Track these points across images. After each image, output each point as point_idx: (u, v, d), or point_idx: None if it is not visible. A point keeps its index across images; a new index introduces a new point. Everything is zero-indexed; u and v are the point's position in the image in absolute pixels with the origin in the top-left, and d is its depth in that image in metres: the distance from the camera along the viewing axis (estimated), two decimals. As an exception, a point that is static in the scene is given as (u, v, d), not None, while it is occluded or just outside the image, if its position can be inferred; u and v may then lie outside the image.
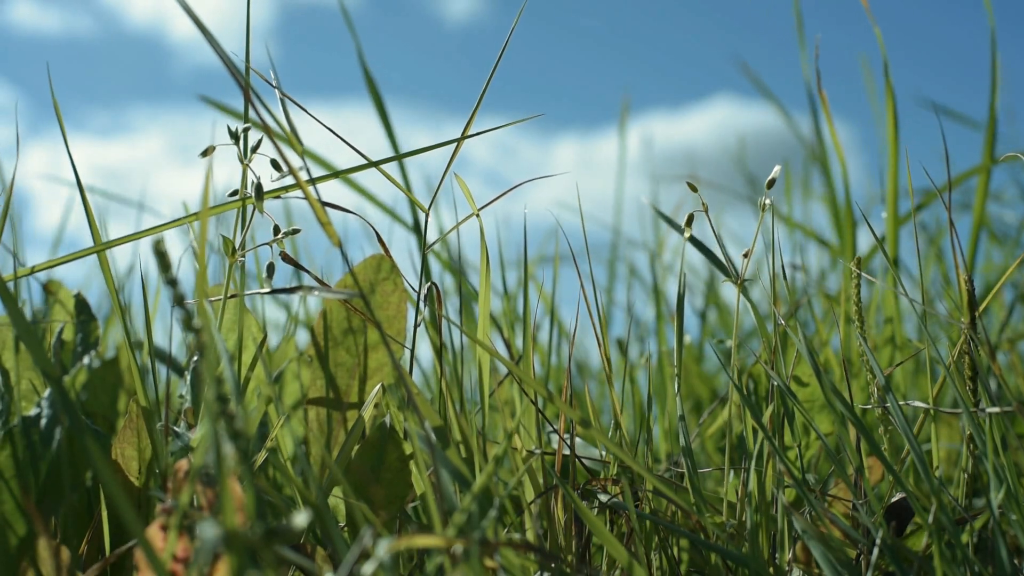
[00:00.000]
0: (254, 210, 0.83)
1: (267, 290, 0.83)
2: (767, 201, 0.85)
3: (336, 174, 0.90)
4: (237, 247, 0.84)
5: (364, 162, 0.89)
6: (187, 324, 0.54)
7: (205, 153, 0.81)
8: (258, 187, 0.81)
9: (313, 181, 0.81)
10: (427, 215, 0.91)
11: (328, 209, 0.89)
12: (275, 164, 0.82)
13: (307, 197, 0.69)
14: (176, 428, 0.86)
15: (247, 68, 0.86)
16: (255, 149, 0.82)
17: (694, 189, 0.87)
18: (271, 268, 0.85)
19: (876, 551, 0.79)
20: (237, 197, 0.84)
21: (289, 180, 0.83)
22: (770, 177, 0.86)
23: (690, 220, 0.88)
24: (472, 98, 0.89)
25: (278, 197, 0.85)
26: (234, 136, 0.81)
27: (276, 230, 0.85)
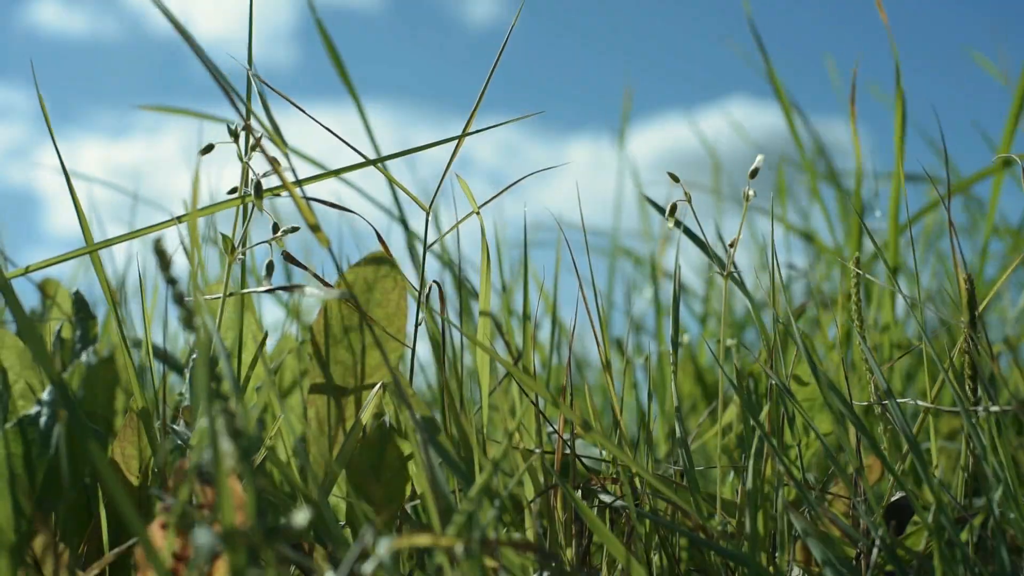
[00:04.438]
0: (252, 208, 0.83)
1: (265, 288, 0.83)
2: (751, 192, 0.86)
3: (328, 174, 0.90)
4: (236, 245, 0.84)
5: (361, 161, 0.89)
6: (187, 322, 0.54)
7: (204, 151, 0.81)
8: (257, 185, 0.81)
9: (300, 182, 0.81)
10: (428, 214, 0.91)
11: (326, 208, 0.88)
12: (272, 161, 0.82)
13: (293, 197, 0.69)
14: (175, 427, 0.86)
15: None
16: (253, 148, 0.82)
17: (676, 179, 0.88)
18: (270, 266, 0.85)
19: (876, 550, 0.79)
20: (236, 195, 0.84)
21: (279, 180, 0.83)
22: (753, 167, 0.87)
23: (673, 209, 0.89)
24: (486, 101, 0.89)
25: (277, 195, 0.85)
26: (233, 134, 0.81)
27: (275, 228, 0.85)
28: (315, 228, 0.68)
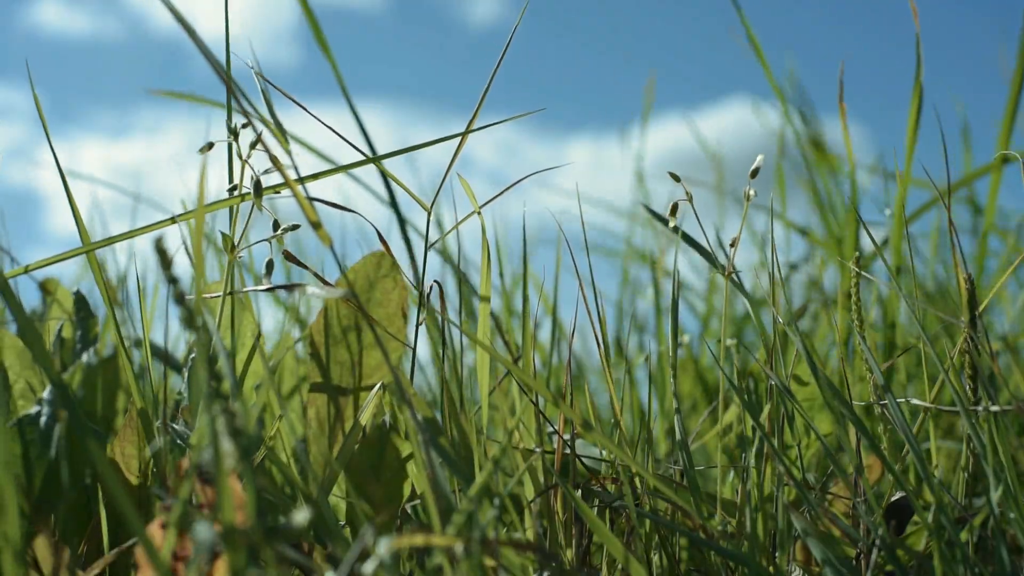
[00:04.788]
0: (252, 206, 0.83)
1: (265, 287, 0.83)
2: (751, 191, 0.86)
3: (329, 172, 0.90)
4: (236, 243, 0.84)
5: (361, 159, 0.89)
6: (187, 322, 0.54)
7: (205, 149, 0.81)
8: (256, 183, 0.81)
9: (302, 179, 0.81)
10: (429, 213, 0.91)
11: (327, 208, 0.88)
12: (272, 159, 0.82)
13: (295, 195, 0.68)
14: (175, 426, 0.86)
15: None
16: (253, 145, 0.81)
17: (676, 179, 0.88)
18: (270, 265, 0.84)
19: (876, 550, 0.79)
20: (236, 193, 0.84)
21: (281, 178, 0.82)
22: (754, 167, 0.87)
23: (674, 210, 0.89)
24: (488, 101, 0.89)
25: (277, 192, 0.85)
26: (233, 132, 0.81)
27: (276, 225, 0.85)
28: (316, 225, 0.68)
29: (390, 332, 0.88)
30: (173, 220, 0.85)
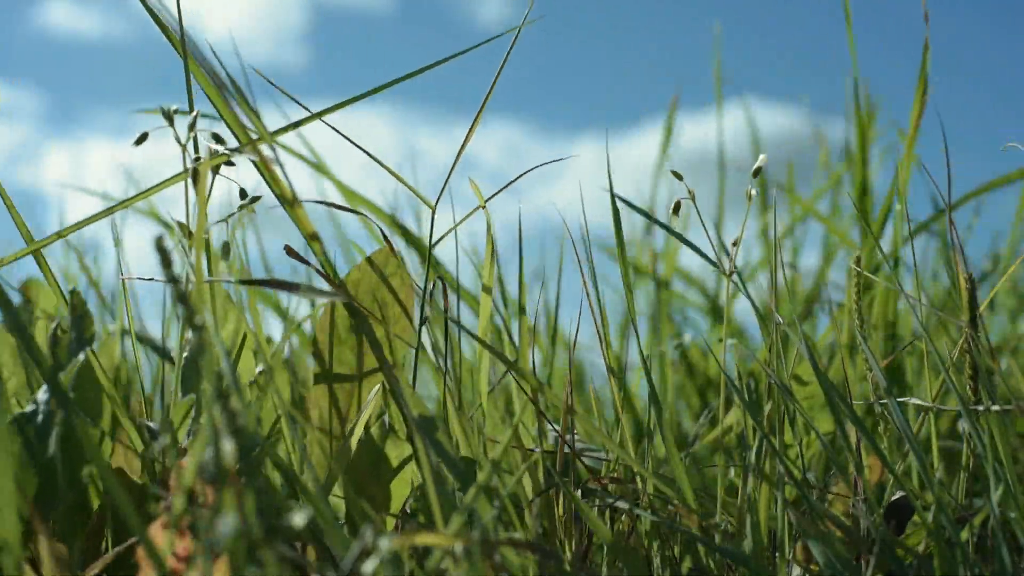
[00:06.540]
0: (212, 183, 0.80)
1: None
2: (753, 191, 0.86)
3: (292, 126, 0.85)
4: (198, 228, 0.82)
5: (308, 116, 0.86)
6: (189, 321, 0.54)
7: (138, 141, 0.80)
8: (210, 153, 0.79)
9: (274, 133, 0.77)
10: (433, 211, 0.91)
11: (330, 210, 0.88)
12: (216, 137, 0.80)
13: (259, 158, 0.66)
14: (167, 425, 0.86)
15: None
16: (191, 127, 0.79)
17: (679, 177, 0.88)
18: (227, 248, 0.82)
19: (876, 550, 0.79)
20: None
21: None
22: (756, 166, 0.87)
23: (676, 208, 0.88)
24: (494, 101, 0.89)
25: (238, 154, 0.81)
26: (168, 117, 0.79)
27: (243, 194, 0.82)
28: (301, 220, 0.67)
29: (395, 333, 0.87)
30: (120, 203, 0.82)
